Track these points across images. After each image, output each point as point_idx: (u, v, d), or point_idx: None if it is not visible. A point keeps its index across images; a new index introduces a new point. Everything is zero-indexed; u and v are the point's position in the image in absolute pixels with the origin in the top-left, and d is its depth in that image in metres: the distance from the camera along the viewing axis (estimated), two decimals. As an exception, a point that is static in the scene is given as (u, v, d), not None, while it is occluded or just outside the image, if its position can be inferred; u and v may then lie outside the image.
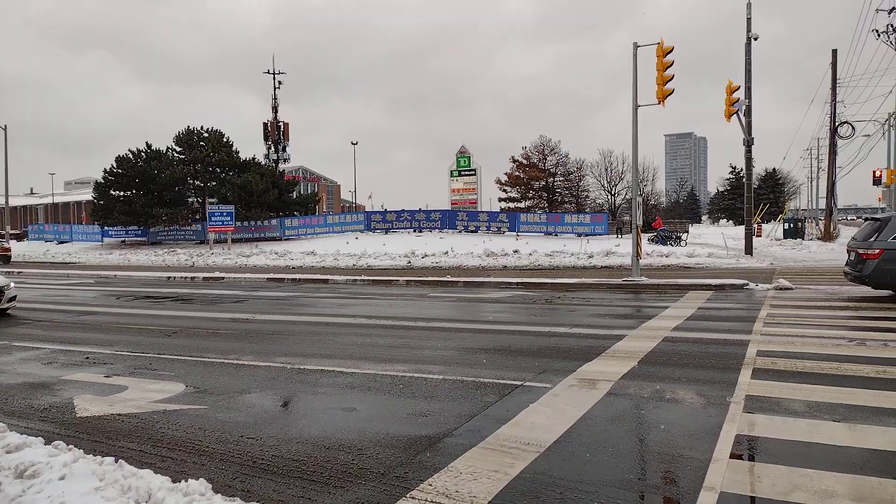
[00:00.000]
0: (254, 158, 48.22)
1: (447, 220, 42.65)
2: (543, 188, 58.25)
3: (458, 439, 5.21)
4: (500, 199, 59.87)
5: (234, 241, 41.12)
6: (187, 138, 46.63)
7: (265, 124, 52.80)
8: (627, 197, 56.02)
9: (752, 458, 4.68)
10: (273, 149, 52.41)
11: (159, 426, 5.88)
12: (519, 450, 4.90)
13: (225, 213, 39.65)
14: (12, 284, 14.32)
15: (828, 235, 37.44)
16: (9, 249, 40.00)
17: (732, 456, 4.65)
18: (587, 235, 37.55)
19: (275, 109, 52.92)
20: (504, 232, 40.58)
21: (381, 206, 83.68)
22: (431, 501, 4.02)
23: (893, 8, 30.28)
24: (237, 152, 47.18)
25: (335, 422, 5.84)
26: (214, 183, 46.32)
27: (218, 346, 10.02)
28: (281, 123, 52.65)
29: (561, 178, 59.40)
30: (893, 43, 30.54)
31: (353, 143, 70.46)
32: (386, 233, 42.71)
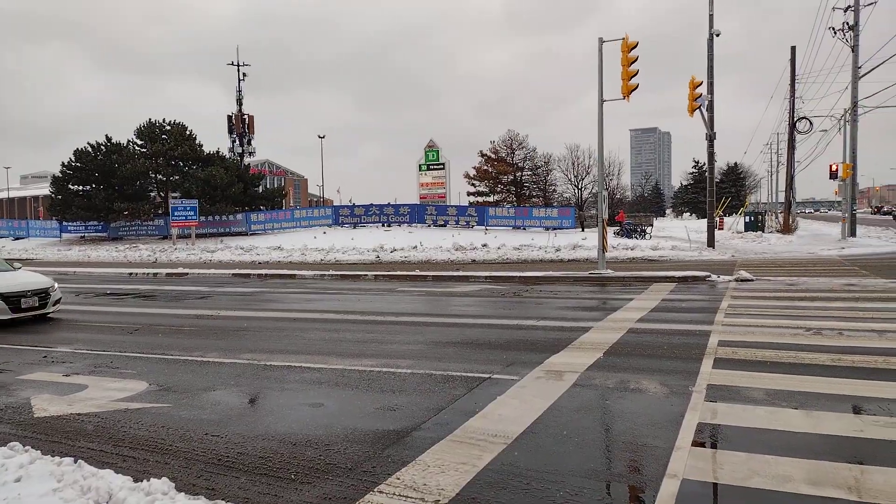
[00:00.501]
0: (218, 152, 47.40)
1: (416, 214, 42.58)
2: (511, 182, 58.54)
3: (426, 433, 5.22)
4: (469, 194, 60.02)
5: (198, 236, 40.38)
6: (149, 131, 45.57)
7: (230, 117, 51.89)
8: (594, 191, 56.67)
9: (713, 446, 4.79)
10: (238, 142, 51.53)
11: (121, 425, 5.75)
12: (486, 442, 4.93)
13: (188, 208, 38.90)
14: (56, 286, 12.83)
15: (787, 228, 38.47)
16: None
17: (694, 444, 4.76)
18: (555, 229, 37.88)
19: (239, 102, 52.04)
20: (473, 226, 40.69)
21: (350, 200, 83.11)
22: (399, 495, 4.02)
23: (849, 6, 31.17)
24: (201, 146, 46.31)
25: (302, 418, 5.79)
26: (177, 177, 45.39)
27: (182, 343, 9.84)
28: (246, 116, 51.79)
29: (529, 173, 59.75)
30: (849, 40, 31.45)
31: (320, 137, 69.76)
32: (354, 227, 42.44)
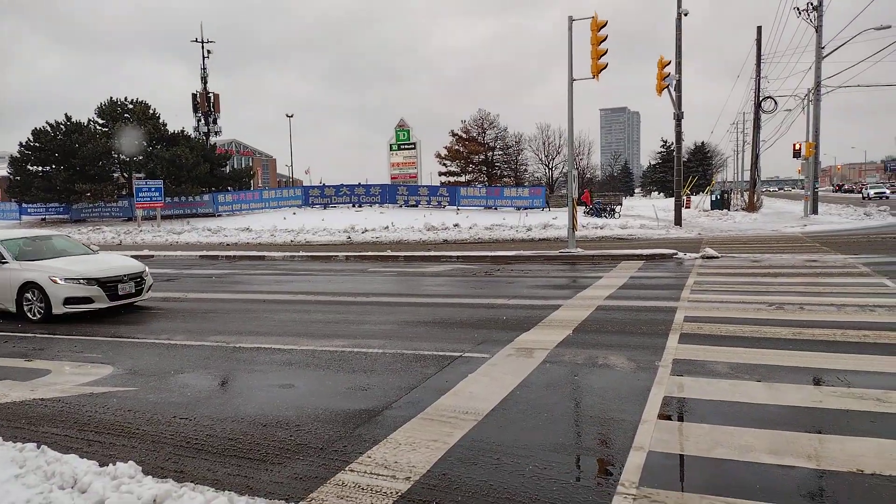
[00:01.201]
0: (183, 131, 46.25)
1: (387, 194, 42.31)
2: (483, 162, 58.49)
3: (397, 411, 5.24)
4: (440, 173, 59.81)
5: (163, 217, 39.56)
6: (110, 110, 44.23)
7: (194, 95, 50.59)
8: (565, 170, 56.97)
9: (678, 419, 4.90)
10: (203, 121, 50.31)
11: (86, 410, 5.65)
12: (457, 419, 4.97)
13: (153, 189, 38.03)
14: (148, 270, 11.55)
15: (752, 206, 39.24)
16: None
17: (660, 417, 4.86)
18: (526, 209, 38.03)
19: (204, 80, 50.75)
20: (444, 206, 40.62)
21: (320, 180, 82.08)
22: (370, 473, 4.04)
23: (813, -13, 31.58)
24: (165, 125, 45.13)
25: (272, 399, 5.76)
26: (141, 157, 44.26)
27: (149, 326, 9.68)
28: (211, 95, 50.55)
29: (500, 152, 59.75)
30: (813, 21, 31.93)
31: (288, 116, 68.63)
32: (325, 208, 42.01)
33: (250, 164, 61.89)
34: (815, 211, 31.94)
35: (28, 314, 10.12)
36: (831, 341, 6.93)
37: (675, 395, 5.35)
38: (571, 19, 18.45)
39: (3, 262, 10.42)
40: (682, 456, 4.18)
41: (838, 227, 25.48)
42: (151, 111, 44.95)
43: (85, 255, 11.39)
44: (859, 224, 26.79)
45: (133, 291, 10.75)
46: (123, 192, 44.22)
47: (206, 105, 50.10)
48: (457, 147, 58.12)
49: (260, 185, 74.45)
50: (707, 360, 6.34)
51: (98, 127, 44.45)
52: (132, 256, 23.94)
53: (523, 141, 61.12)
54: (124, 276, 10.65)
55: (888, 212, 31.48)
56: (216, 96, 51.02)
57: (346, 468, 4.13)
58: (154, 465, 4.32)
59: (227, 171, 48.93)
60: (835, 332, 7.28)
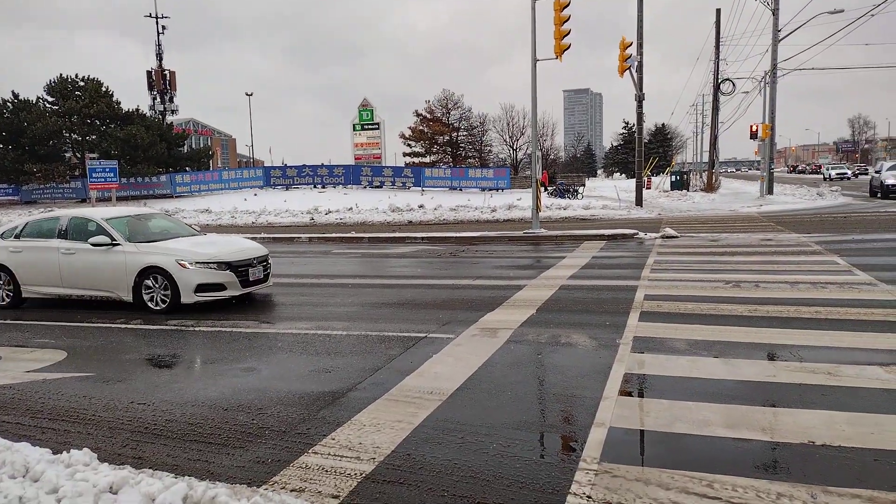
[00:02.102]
0: (138, 110, 44.81)
1: (351, 175, 41.85)
2: (448, 143, 58.23)
3: (361, 393, 5.21)
4: (405, 154, 59.36)
5: (119, 199, 38.39)
6: (61, 87, 42.51)
7: (149, 73, 49.01)
8: (529, 151, 57.16)
9: (638, 395, 5.00)
10: (159, 99, 48.83)
11: (38, 396, 5.47)
12: (422, 399, 4.97)
13: (108, 169, 36.79)
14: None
15: (710, 187, 40.05)
16: None
17: (621, 393, 4.95)
18: (491, 190, 38.10)
19: (159, 57, 49.15)
20: (409, 187, 40.40)
21: (282, 161, 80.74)
22: (334, 455, 4.01)
23: (770, -29, 32.09)
24: (118, 103, 43.64)
25: (234, 383, 5.67)
26: (94, 136, 42.76)
27: (104, 310, 9.40)
28: (167, 72, 49.04)
29: (465, 133, 59.52)
30: (770, 4, 32.49)
31: (247, 95, 67.01)
32: (287, 189, 41.36)
33: (209, 144, 60.46)
34: (770, 191, 32.78)
35: (149, 303, 8.85)
36: (785, 318, 7.14)
37: (636, 372, 5.44)
38: (535, -1, 18.38)
39: (115, 245, 9.03)
40: (642, 431, 4.26)
41: (792, 207, 26.23)
42: (104, 89, 43.40)
43: (197, 237, 10.16)
44: (812, 204, 27.62)
45: (262, 277, 9.61)
46: (76, 173, 42.77)
47: (161, 83, 48.61)
48: (421, 128, 57.72)
49: (219, 165, 72.80)
50: (666, 338, 6.47)
51: (48, 105, 42.76)
52: (86, 239, 23.26)
53: (488, 122, 61.00)
54: (253, 259, 9.50)
55: (839, 192, 32.51)
56: (172, 73, 49.54)
57: (310, 451, 4.10)
58: (111, 451, 4.21)
59: (185, 150, 47.73)
60: (789, 309, 7.50)
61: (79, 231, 9.41)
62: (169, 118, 49.82)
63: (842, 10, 30.44)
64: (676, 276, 10.20)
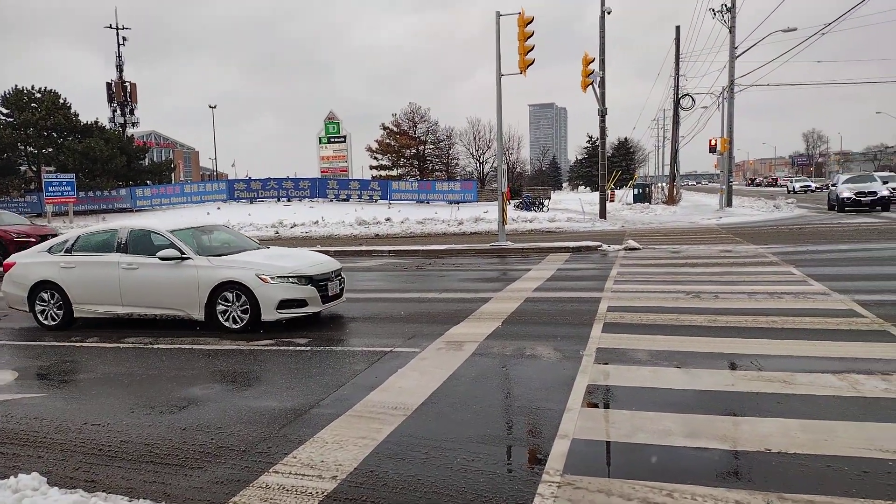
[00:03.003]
0: (97, 122, 43.83)
1: (317, 188, 41.56)
2: (414, 156, 58.36)
3: (324, 409, 5.14)
4: (372, 167, 59.30)
5: (76, 213, 37.42)
6: (16, 99, 41.35)
7: (109, 84, 48.03)
8: (496, 165, 57.63)
9: (601, 406, 5.04)
10: (119, 112, 47.85)
11: (-15, 420, 5.26)
12: (386, 414, 4.93)
13: (65, 183, 35.87)
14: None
15: (671, 200, 40.90)
16: None
17: (584, 405, 4.98)
18: (458, 203, 38.25)
19: (119, 68, 48.23)
20: (376, 200, 40.31)
21: (246, 174, 79.69)
22: (295, 474, 3.94)
23: (726, -10, 33.16)
24: (77, 115, 42.66)
25: (192, 401, 5.54)
26: (51, 149, 41.65)
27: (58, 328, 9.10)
28: (128, 84, 48.13)
29: (431, 146, 59.77)
30: (727, 21, 33.54)
31: (211, 107, 66.19)
32: (251, 202, 40.85)
33: (171, 157, 59.44)
34: (729, 204, 33.64)
35: (224, 322, 8.18)
36: (743, 327, 7.30)
37: (599, 383, 5.49)
38: (499, 14, 18.63)
39: (185, 259, 8.34)
40: (604, 442, 4.29)
41: (751, 219, 26.94)
42: (62, 101, 42.42)
43: (266, 249, 9.61)
44: (770, 216, 28.42)
45: (339, 292, 9.02)
46: (32, 187, 41.59)
47: (122, 94, 47.68)
48: (388, 141, 57.76)
49: (182, 178, 71.55)
50: (629, 348, 6.55)
51: (2, 117, 41.55)
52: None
53: (454, 135, 61.39)
54: (331, 272, 8.86)
55: (795, 204, 33.54)
56: (133, 85, 48.66)
57: (270, 470, 4.02)
58: (62, 475, 4.07)
59: (146, 163, 46.85)
60: (746, 319, 7.67)
61: (141, 244, 8.73)
62: (130, 131, 48.84)
63: (795, 29, 31.60)
64: (639, 288, 10.36)
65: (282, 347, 7.36)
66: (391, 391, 5.52)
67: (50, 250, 9.16)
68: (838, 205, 27.98)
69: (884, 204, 27.11)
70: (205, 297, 8.20)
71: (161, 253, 8.37)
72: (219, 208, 38.40)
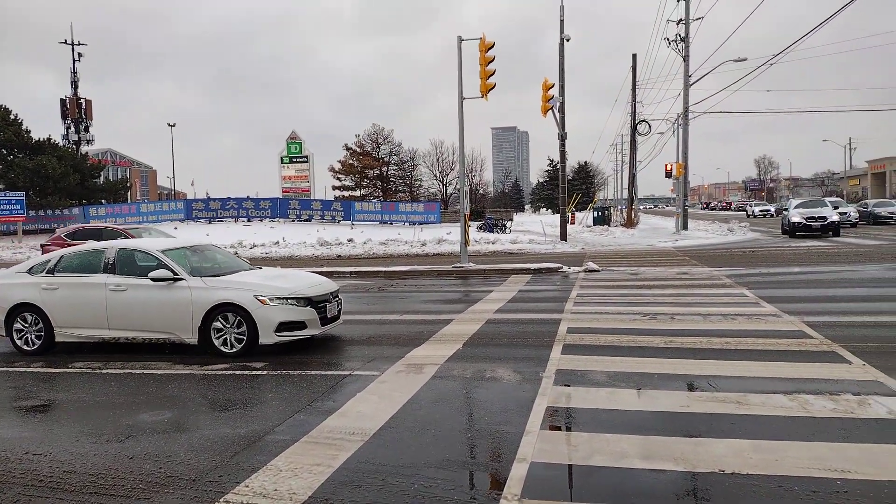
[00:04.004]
0: (49, 139, 42.63)
1: (278, 208, 41.11)
2: (378, 177, 58.40)
3: (279, 435, 5.02)
4: (335, 188, 59.10)
5: (26, 232, 36.15)
6: (-38, 114, 39.98)
7: (63, 101, 46.86)
8: (459, 186, 57.99)
9: (559, 428, 5.05)
10: (73, 129, 46.65)
11: (-84, 451, 4.96)
12: (343, 440, 4.84)
13: (13, 201, 34.69)
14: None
15: (630, 223, 41.76)
16: None
17: (543, 427, 4.98)
18: (421, 224, 38.30)
19: (74, 85, 47.15)
20: (339, 221, 40.06)
21: (206, 193, 78.24)
22: (247, 503, 3.82)
23: (681, 20, 34.41)
24: (28, 132, 41.43)
25: (141, 428, 5.34)
26: (0, 167, 40.29)
27: None
28: (83, 101, 47.03)
29: (395, 167, 59.97)
30: (681, 51, 34.72)
31: (170, 125, 65.05)
32: (210, 222, 40.14)
33: (127, 176, 58.11)
34: (685, 227, 34.50)
35: (220, 346, 7.84)
36: (698, 349, 7.44)
37: (558, 405, 5.51)
38: (461, 39, 18.89)
39: (178, 280, 7.98)
40: (562, 465, 4.29)
41: (706, 242, 27.65)
42: (13, 116, 41.16)
43: (260, 270, 9.36)
44: (724, 239, 29.23)
45: (336, 314, 8.76)
46: (-22, 205, 39.99)
47: (76, 111, 46.56)
48: (351, 161, 57.71)
49: (138, 197, 69.91)
50: (587, 370, 6.60)
51: (-53, 132, 40.05)
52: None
53: (418, 157, 61.76)
54: (329, 293, 8.58)
55: (748, 228, 34.59)
56: (88, 102, 47.60)
57: (221, 499, 3.88)
58: (-3, 510, 3.86)
59: (101, 182, 45.66)
60: (701, 340, 7.82)
61: (130, 264, 8.37)
62: (84, 148, 47.66)
63: (745, 59, 32.88)
64: (598, 309, 10.48)
65: (237, 372, 7.18)
66: (349, 416, 5.43)
67: (30, 271, 8.72)
68: (790, 229, 28.33)
69: (834, 229, 27.26)
70: (199, 319, 7.87)
71: (153, 273, 7.99)
72: (176, 228, 37.57)
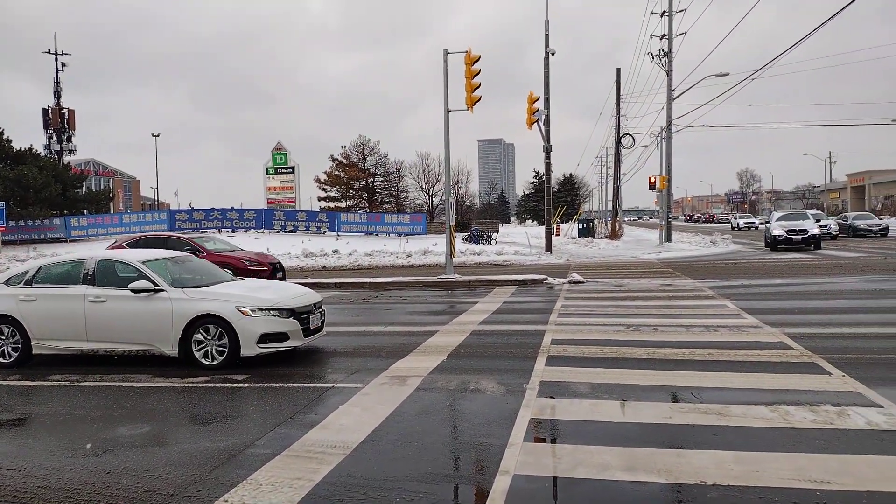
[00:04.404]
0: (31, 149, 42.15)
1: (263, 219, 40.86)
2: (364, 188, 58.31)
3: (260, 449, 4.96)
4: (320, 199, 58.87)
5: (6, 243, 35.61)
6: (-59, 122, 39.44)
7: (45, 111, 46.44)
8: (444, 198, 58.08)
9: (542, 441, 5.04)
10: (56, 139, 46.23)
11: None
12: (325, 454, 4.79)
13: (-6, 211, 34.15)
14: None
15: (614, 234, 42.05)
16: None
17: (526, 440, 4.97)
18: (407, 235, 38.24)
19: (57, 94, 46.77)
20: (324, 232, 39.90)
21: (189, 204, 77.56)
22: (226, 518, 3.77)
23: (664, 35, 34.90)
24: (9, 141, 40.91)
25: (119, 442, 5.25)
26: (-20, 176, 39.71)
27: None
28: (66, 110, 46.65)
29: (381, 179, 59.92)
30: (664, 65, 35.18)
31: (154, 136, 64.67)
32: (193, 233, 39.80)
33: (110, 186, 57.59)
34: (669, 239, 34.77)
35: (201, 358, 7.74)
36: (681, 360, 7.47)
37: (541, 417, 5.50)
38: (446, 53, 19.01)
39: (158, 291, 7.89)
40: (545, 478, 4.27)
41: (689, 254, 27.89)
42: (-7, 125, 40.59)
43: (243, 281, 9.26)
44: (707, 251, 29.49)
45: (319, 325, 8.68)
46: (-44, 215, 39.38)
47: (58, 121, 46.17)
48: (337, 172, 57.60)
49: (121, 208, 69.27)
50: (571, 382, 6.60)
51: (-74, 141, 39.48)
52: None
53: (404, 168, 61.79)
54: (313, 304, 8.52)
55: (730, 240, 34.95)
56: (71, 112, 47.21)
57: (200, 515, 3.83)
58: (-32, 527, 3.76)
59: (83, 192, 45.16)
60: (684, 352, 7.86)
61: (110, 275, 8.25)
62: (66, 158, 47.20)
63: (727, 74, 33.41)
64: (582, 321, 10.51)
65: (218, 384, 7.10)
66: (331, 429, 5.38)
67: (8, 282, 8.58)
68: (771, 242, 28.29)
69: (815, 242, 27.17)
70: (179, 331, 7.78)
71: (133, 285, 7.89)
72: (233, 233, 37.28)
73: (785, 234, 27.67)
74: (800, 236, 27.35)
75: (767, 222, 31.86)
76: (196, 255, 15.56)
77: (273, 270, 17.12)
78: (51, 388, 7.25)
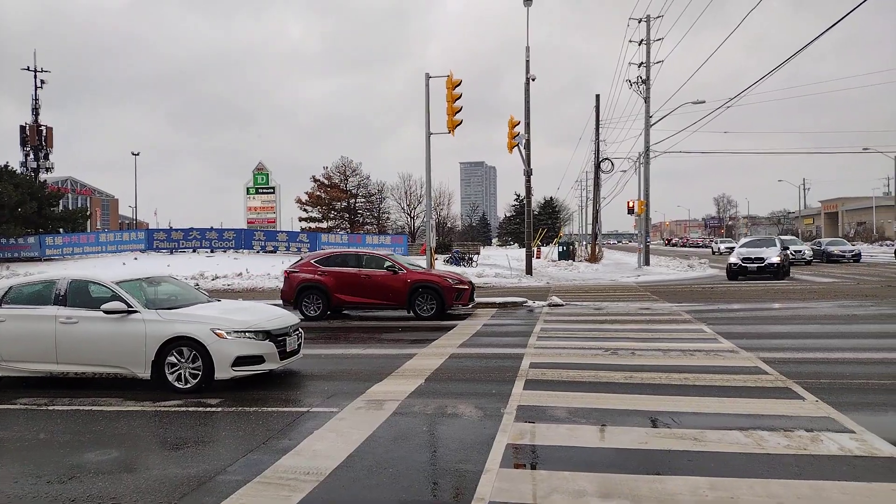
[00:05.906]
0: (7, 166, 41.53)
1: (243, 239, 40.52)
2: (345, 209, 58.32)
3: (231, 476, 4.85)
4: (301, 219, 58.73)
5: (-23, 261, 34.88)
6: (-86, 138, 38.78)
7: (23, 128, 45.90)
8: (426, 219, 58.19)
9: (519, 466, 5.00)
10: (33, 156, 45.67)
11: None
12: (297, 480, 4.70)
13: (-34, 229, 33.48)
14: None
15: (594, 258, 42.36)
16: None
17: (503, 465, 4.93)
18: (386, 257, 38.15)
19: (35, 111, 46.29)
20: (305, 252, 39.67)
21: (168, 223, 76.85)
22: (193, 548, 3.67)
23: (642, 63, 35.62)
24: (-16, 158, 40.33)
25: (86, 468, 5.11)
26: (-48, 193, 38.97)
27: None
28: (43, 128, 46.15)
29: (363, 200, 60.05)
30: (642, 93, 35.85)
31: (134, 154, 64.13)
32: (172, 253, 39.28)
33: (87, 205, 56.84)
34: (647, 263, 35.12)
35: (174, 382, 7.57)
36: (657, 384, 7.50)
37: (518, 443, 5.46)
38: (428, 76, 19.21)
39: (132, 312, 7.73)
40: (520, 505, 4.23)
41: (667, 278, 28.16)
42: (-33, 142, 40.03)
43: (219, 302, 9.04)
44: (684, 275, 29.81)
45: (296, 347, 8.55)
46: (-74, 232, 38.54)
47: (36, 138, 45.65)
48: (318, 193, 57.57)
49: (99, 226, 68.31)
50: (549, 406, 6.58)
51: None
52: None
53: (386, 189, 62.04)
54: (289, 327, 8.40)
55: (707, 264, 35.39)
56: (49, 130, 46.73)
57: (166, 545, 3.72)
58: (-79, 559, 3.62)
59: (59, 210, 44.50)
60: (661, 376, 7.89)
61: (82, 296, 8.09)
62: (43, 176, 46.58)
63: (703, 102, 34.12)
64: (560, 344, 10.52)
65: (191, 409, 6.96)
66: (305, 455, 5.29)
67: None
68: (727, 271, 25.65)
69: (774, 272, 24.17)
70: (152, 353, 7.61)
71: (106, 306, 7.71)
72: (136, 258, 36.75)
73: (740, 263, 25.00)
74: (755, 265, 24.62)
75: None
76: (394, 273, 15.05)
77: (472, 289, 16.35)
78: (17, 412, 7.05)
